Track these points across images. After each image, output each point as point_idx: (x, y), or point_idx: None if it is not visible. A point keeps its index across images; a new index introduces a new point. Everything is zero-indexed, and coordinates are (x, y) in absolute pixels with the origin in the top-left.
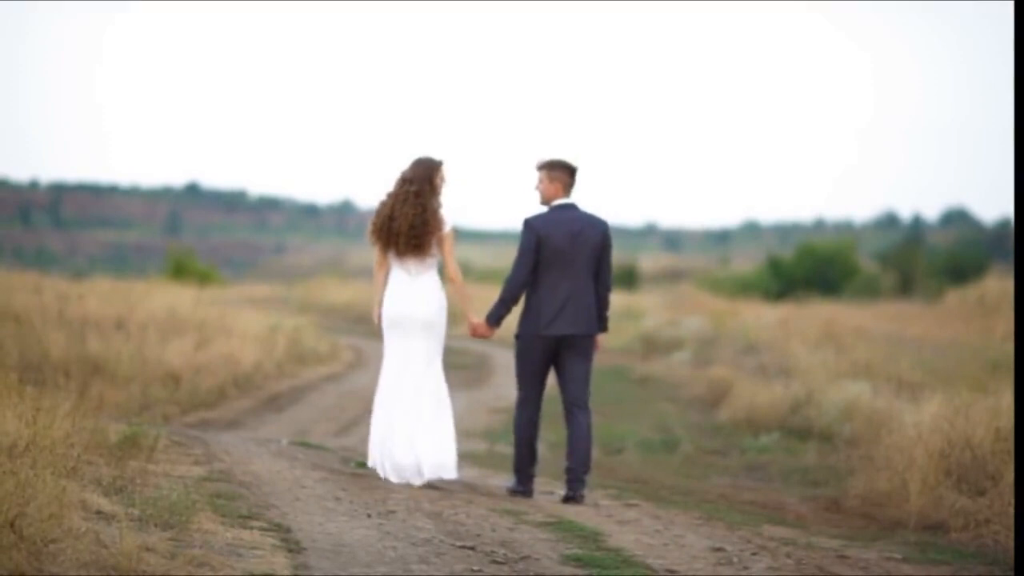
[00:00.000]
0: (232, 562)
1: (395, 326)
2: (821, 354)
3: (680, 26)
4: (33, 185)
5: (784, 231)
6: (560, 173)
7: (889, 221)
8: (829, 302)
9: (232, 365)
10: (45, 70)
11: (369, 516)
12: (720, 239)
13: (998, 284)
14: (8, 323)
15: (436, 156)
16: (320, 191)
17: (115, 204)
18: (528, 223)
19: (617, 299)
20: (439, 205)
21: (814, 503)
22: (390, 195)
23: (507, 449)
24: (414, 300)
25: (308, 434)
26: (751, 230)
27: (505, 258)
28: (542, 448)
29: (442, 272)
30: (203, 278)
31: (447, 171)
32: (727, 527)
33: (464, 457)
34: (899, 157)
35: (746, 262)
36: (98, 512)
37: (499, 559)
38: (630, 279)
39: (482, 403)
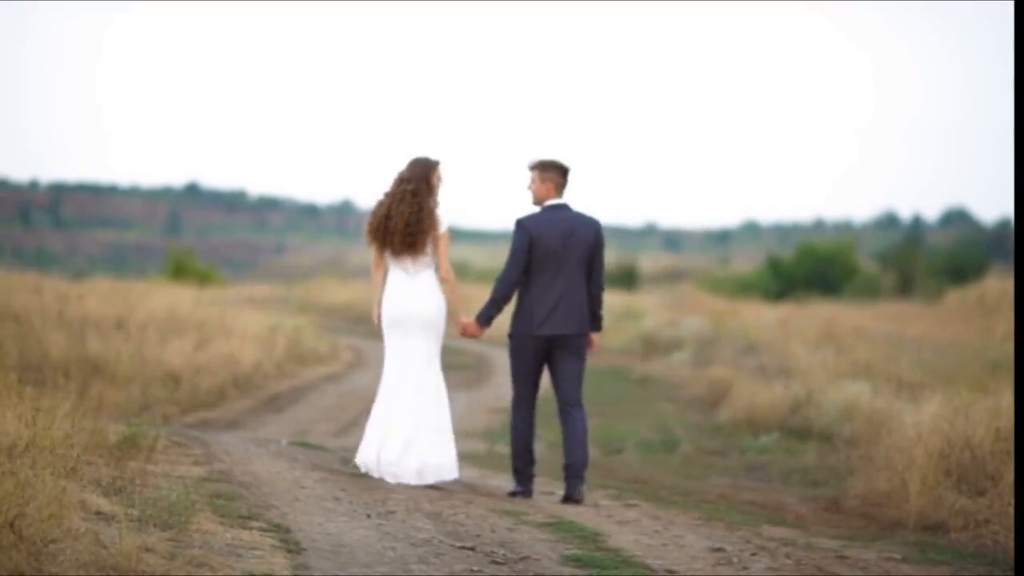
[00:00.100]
0: (231, 562)
1: (395, 326)
2: (821, 354)
3: (680, 26)
4: (33, 185)
5: (784, 231)
6: (552, 173)
7: (889, 221)
8: (829, 302)
9: (232, 365)
10: (45, 70)
11: (369, 516)
12: (720, 239)
13: (998, 284)
14: (8, 323)
15: (433, 156)
16: (320, 191)
17: (115, 204)
18: (520, 223)
19: (617, 299)
20: (436, 204)
21: (814, 503)
22: (387, 195)
23: (506, 449)
24: (414, 299)
25: (308, 434)
26: (751, 230)
27: (503, 258)
28: (540, 448)
29: (436, 271)
30: (203, 278)
31: (444, 171)
32: (727, 527)
33: (464, 457)
34: (899, 157)
35: (746, 262)
36: (98, 512)
37: (499, 559)
38: (630, 279)
39: (482, 403)
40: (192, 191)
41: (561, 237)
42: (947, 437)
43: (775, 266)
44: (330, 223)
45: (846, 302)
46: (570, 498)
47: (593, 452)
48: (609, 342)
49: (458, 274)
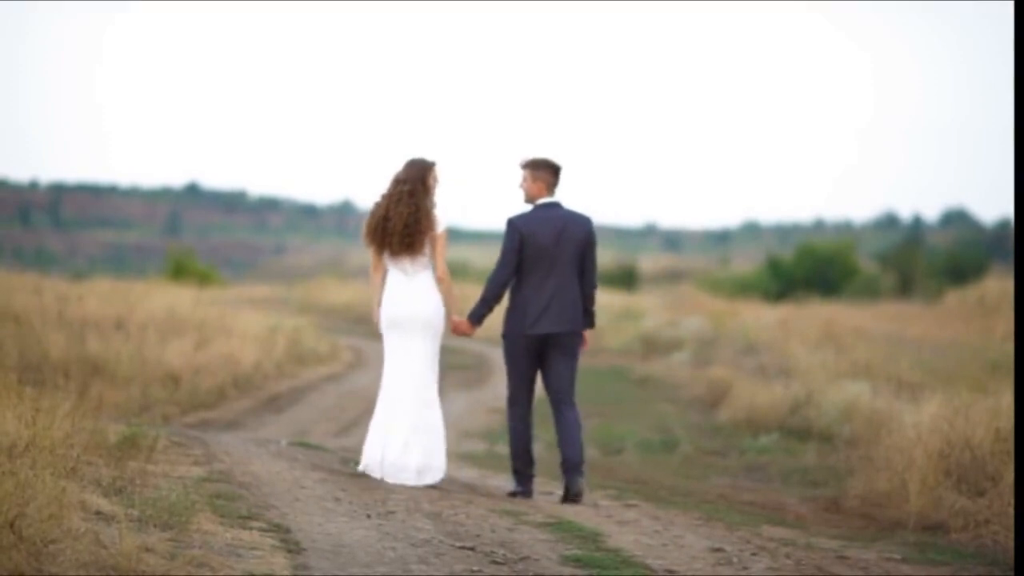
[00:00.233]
0: (232, 563)
1: (394, 327)
2: (821, 354)
3: (680, 26)
4: (33, 185)
5: (784, 231)
6: (544, 172)
7: (889, 221)
8: (829, 302)
9: (232, 365)
10: (45, 70)
11: (369, 517)
12: (720, 239)
13: (998, 284)
14: (8, 324)
15: (429, 157)
16: (320, 191)
17: (115, 204)
18: (511, 222)
19: (617, 299)
20: (432, 205)
21: (814, 503)
22: (384, 196)
23: (506, 449)
24: (412, 300)
25: (308, 435)
26: (751, 230)
27: None
28: (539, 448)
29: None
30: (203, 278)
31: (440, 172)
32: (726, 527)
33: (464, 457)
34: (899, 157)
35: (746, 262)
36: (98, 512)
37: (499, 559)
38: (630, 279)
39: (481, 403)
40: (192, 191)
41: (553, 235)
42: (947, 437)
43: (775, 266)
44: (330, 223)
45: (846, 302)
46: (570, 492)
47: (593, 452)
48: (609, 342)
49: (458, 274)
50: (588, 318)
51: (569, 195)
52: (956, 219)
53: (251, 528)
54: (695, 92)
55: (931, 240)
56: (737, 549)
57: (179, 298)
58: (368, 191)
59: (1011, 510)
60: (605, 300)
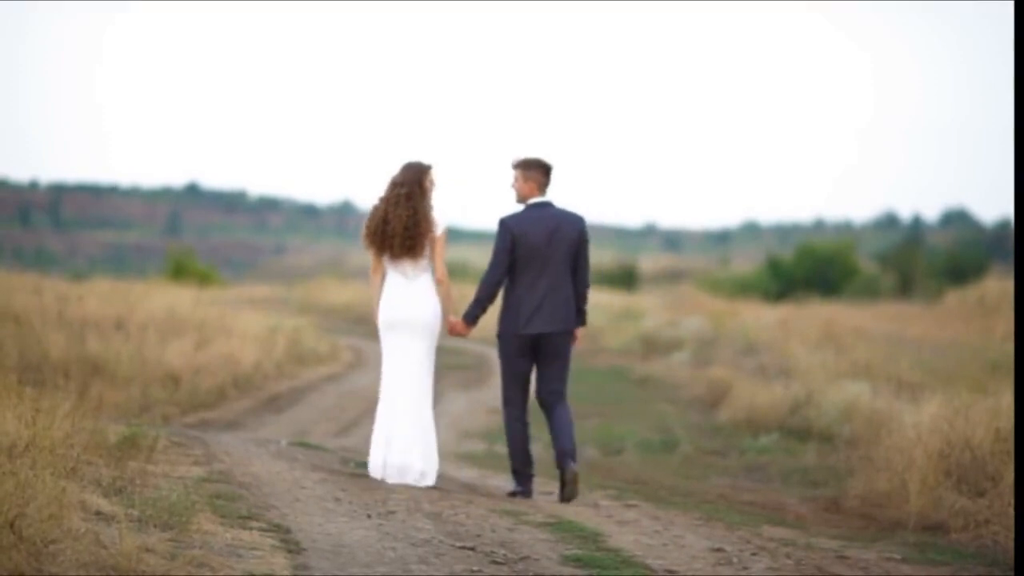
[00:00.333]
0: (232, 563)
1: (393, 329)
2: (821, 355)
3: (680, 26)
4: (33, 185)
5: (784, 231)
6: (535, 172)
7: (889, 221)
8: (829, 303)
9: (232, 366)
10: (45, 70)
11: (369, 517)
12: (720, 239)
13: (998, 284)
14: (8, 324)
15: (425, 160)
16: (320, 191)
17: (115, 205)
18: (503, 222)
19: (617, 299)
20: (430, 207)
21: (814, 504)
22: (382, 199)
23: (505, 449)
24: (411, 304)
25: (308, 435)
26: (751, 230)
27: None
28: (537, 448)
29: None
30: (203, 278)
31: (436, 175)
32: (726, 527)
33: (463, 457)
34: (899, 157)
35: (746, 262)
36: (98, 513)
37: (499, 559)
38: (630, 279)
39: (481, 403)
40: (192, 191)
41: (545, 235)
42: (947, 437)
43: (775, 266)
44: (330, 223)
45: (846, 302)
46: (565, 477)
47: (593, 452)
48: (609, 342)
49: (457, 274)
50: (579, 316)
51: (569, 195)
52: (956, 219)
53: (251, 528)
54: (695, 92)
55: (931, 240)
56: (737, 549)
57: (179, 298)
58: (368, 191)
59: (1011, 510)
60: (605, 300)
